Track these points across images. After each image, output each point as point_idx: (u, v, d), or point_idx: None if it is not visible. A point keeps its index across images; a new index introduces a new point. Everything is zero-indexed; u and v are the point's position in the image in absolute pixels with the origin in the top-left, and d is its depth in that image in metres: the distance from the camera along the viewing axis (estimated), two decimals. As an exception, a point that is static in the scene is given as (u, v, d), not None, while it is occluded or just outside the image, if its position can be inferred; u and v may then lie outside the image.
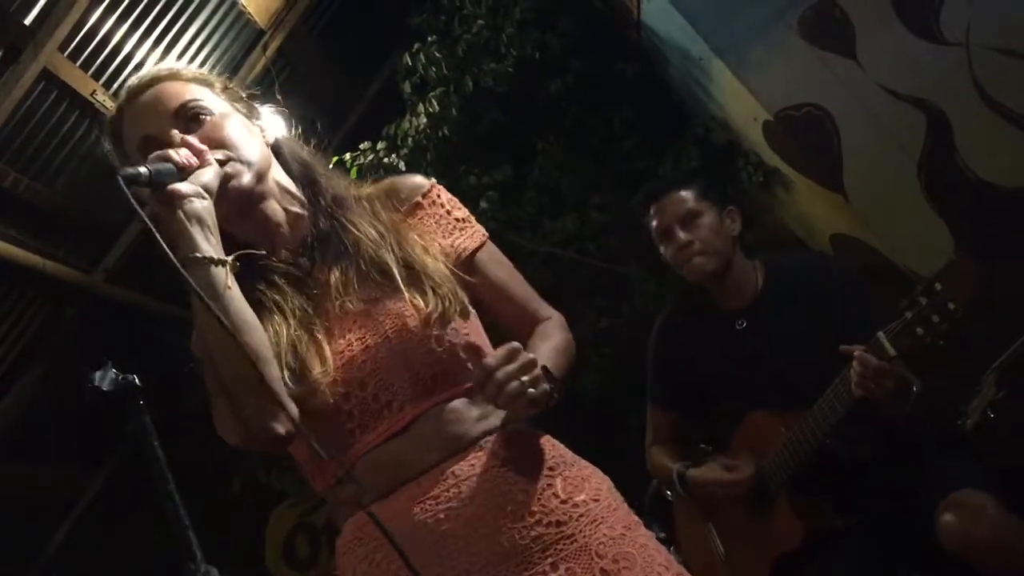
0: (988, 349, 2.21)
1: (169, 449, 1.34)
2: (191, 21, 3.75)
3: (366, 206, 1.43)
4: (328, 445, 1.24)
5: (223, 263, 1.21)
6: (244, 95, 1.45)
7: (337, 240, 1.38)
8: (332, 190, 1.43)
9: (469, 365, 1.30)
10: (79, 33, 3.28)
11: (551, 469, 1.29)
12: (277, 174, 1.40)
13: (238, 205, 1.29)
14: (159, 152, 1.22)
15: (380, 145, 3.94)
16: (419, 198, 1.44)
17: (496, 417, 1.31)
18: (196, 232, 1.20)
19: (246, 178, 1.30)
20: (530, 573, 1.20)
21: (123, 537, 4.47)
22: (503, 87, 3.88)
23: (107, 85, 3.57)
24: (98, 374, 1.47)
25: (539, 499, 1.25)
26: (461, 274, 1.37)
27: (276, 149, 1.42)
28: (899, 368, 1.98)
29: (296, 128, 1.51)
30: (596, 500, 1.27)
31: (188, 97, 1.34)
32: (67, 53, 3.29)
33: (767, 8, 2.93)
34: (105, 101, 3.55)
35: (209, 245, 1.21)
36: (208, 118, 1.33)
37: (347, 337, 1.30)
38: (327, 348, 1.28)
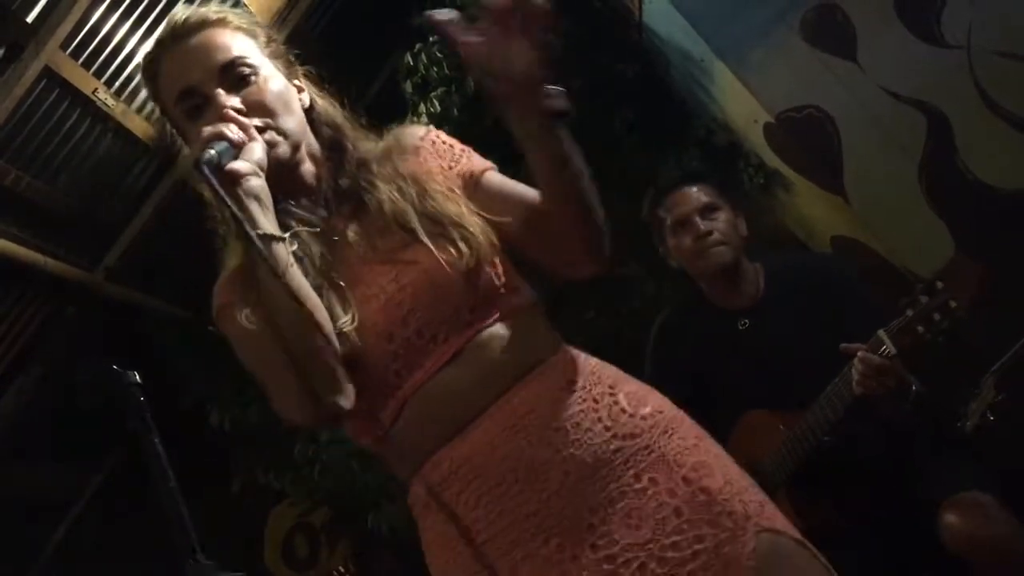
0: (988, 351, 2.21)
1: (168, 448, 1.34)
2: (193, 20, 3.75)
3: (389, 165, 1.41)
4: (374, 392, 1.25)
5: (283, 239, 1.21)
6: (285, 51, 1.44)
7: (356, 198, 1.37)
8: (358, 153, 1.42)
9: (503, 292, 1.30)
10: (81, 31, 3.28)
11: (611, 387, 1.28)
12: (308, 138, 1.38)
13: (270, 173, 1.27)
14: (212, 130, 1.21)
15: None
16: (418, 140, 1.43)
17: (544, 342, 1.31)
18: (256, 210, 1.20)
19: (283, 149, 1.30)
20: (616, 485, 1.19)
21: (123, 536, 4.47)
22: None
23: (108, 83, 3.56)
24: (97, 372, 1.47)
25: (609, 414, 1.24)
26: (484, 214, 1.33)
27: (310, 112, 1.41)
28: (900, 366, 1.99)
29: (329, 87, 1.48)
30: (661, 411, 1.29)
31: (236, 53, 1.32)
32: (69, 51, 3.29)
33: (768, 10, 2.93)
34: (107, 100, 3.55)
35: (268, 222, 1.21)
36: (253, 79, 1.32)
37: (378, 281, 1.28)
38: (350, 296, 1.27)
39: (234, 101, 1.28)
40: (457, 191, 1.36)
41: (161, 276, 4.46)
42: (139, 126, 3.81)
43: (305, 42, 4.47)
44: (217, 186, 1.14)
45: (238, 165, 1.19)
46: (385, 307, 1.26)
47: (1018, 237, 2.63)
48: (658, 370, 2.65)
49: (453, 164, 1.40)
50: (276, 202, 1.25)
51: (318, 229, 1.33)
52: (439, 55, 3.97)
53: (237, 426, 4.15)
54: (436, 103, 3.90)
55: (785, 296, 2.45)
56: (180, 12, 1.35)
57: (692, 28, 3.08)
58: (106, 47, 3.45)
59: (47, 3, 3.10)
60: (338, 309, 1.26)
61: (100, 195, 3.90)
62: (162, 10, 3.55)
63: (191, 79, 1.30)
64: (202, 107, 1.30)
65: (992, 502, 2.07)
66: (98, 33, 3.37)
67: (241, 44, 1.34)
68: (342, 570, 4.49)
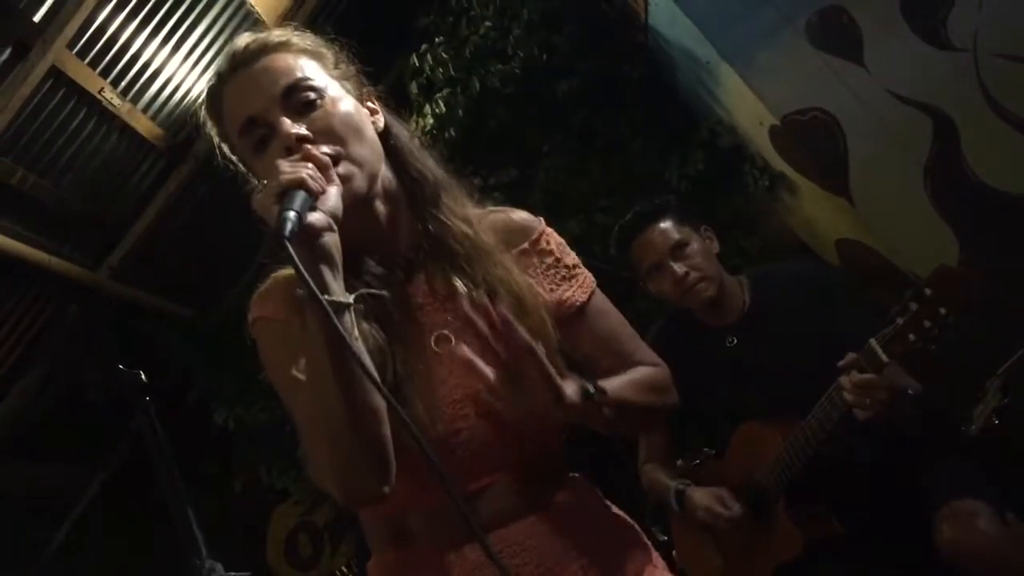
0: (993, 355, 2.20)
1: (171, 447, 1.34)
2: (199, 20, 3.76)
3: (484, 225, 1.31)
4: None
5: (350, 307, 1.09)
6: (356, 70, 1.32)
7: (448, 250, 1.26)
8: (446, 194, 1.30)
9: (554, 446, 1.29)
10: (88, 31, 3.29)
11: (598, 519, 1.33)
12: (383, 170, 1.26)
13: (343, 215, 1.12)
14: (289, 176, 1.06)
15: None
16: (527, 243, 1.34)
17: (557, 479, 1.31)
18: (326, 272, 1.07)
19: (359, 182, 1.17)
20: None
21: (126, 536, 4.47)
22: (510, 88, 3.89)
23: (115, 83, 3.57)
24: (102, 370, 1.47)
25: (589, 550, 1.26)
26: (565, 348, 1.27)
27: (386, 138, 1.28)
28: (892, 376, 1.98)
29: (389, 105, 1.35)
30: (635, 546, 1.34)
31: (298, 76, 1.21)
32: (75, 51, 3.29)
33: (774, 12, 2.92)
34: (112, 99, 3.56)
35: (338, 286, 1.08)
36: (319, 103, 1.20)
37: (447, 384, 1.21)
38: (432, 390, 1.19)
39: (299, 128, 1.16)
40: (549, 321, 1.26)
41: (166, 275, 4.46)
42: (144, 126, 3.82)
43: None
44: (299, 262, 1.00)
45: (315, 220, 1.05)
46: (444, 426, 1.19)
47: (1023, 240, 2.63)
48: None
49: (554, 287, 1.33)
50: (345, 252, 1.12)
51: (387, 294, 1.21)
52: (444, 56, 3.98)
53: (241, 425, 4.15)
54: (441, 104, 3.91)
55: (772, 307, 2.43)
56: (240, 39, 1.26)
57: (698, 30, 3.08)
58: (112, 47, 3.46)
59: (54, 2, 3.11)
60: (417, 401, 1.17)
61: (105, 194, 3.91)
62: (168, 10, 3.56)
63: (253, 108, 1.19)
64: (267, 138, 1.19)
65: (986, 510, 2.05)
66: (104, 33, 3.37)
67: (305, 67, 1.23)
68: (345, 570, 4.49)
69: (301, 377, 1.15)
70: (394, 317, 1.21)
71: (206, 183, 4.18)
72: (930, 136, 2.77)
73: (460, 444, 1.21)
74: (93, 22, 3.28)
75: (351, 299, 1.09)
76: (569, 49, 3.90)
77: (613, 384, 1.24)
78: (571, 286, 1.34)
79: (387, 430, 1.11)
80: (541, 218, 1.39)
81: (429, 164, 1.32)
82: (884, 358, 1.89)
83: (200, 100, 1.29)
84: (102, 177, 3.82)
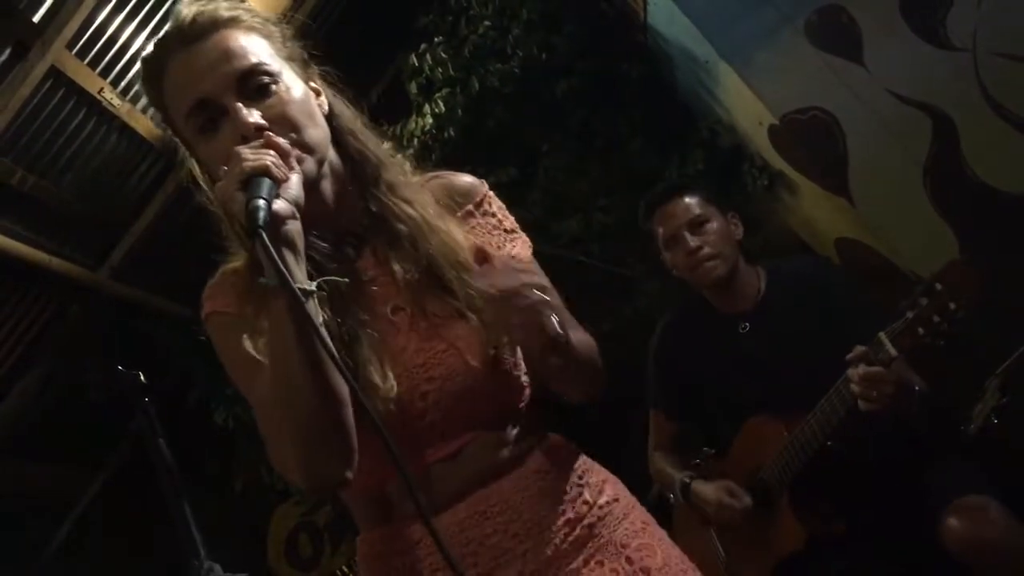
0: (992, 354, 2.21)
1: (171, 447, 1.34)
2: (198, 20, 3.76)
3: (424, 197, 1.31)
4: (365, 463, 1.17)
5: (313, 294, 1.09)
6: (301, 49, 1.30)
7: (389, 229, 1.26)
8: (386, 172, 1.30)
9: (521, 401, 1.28)
10: (87, 31, 3.29)
11: (579, 477, 1.31)
12: (330, 152, 1.25)
13: None
14: (252, 163, 1.05)
15: (385, 145, 3.94)
16: (471, 205, 1.35)
17: (532, 435, 1.31)
18: (290, 259, 1.06)
19: (308, 166, 1.16)
20: (568, 571, 1.23)
21: (126, 536, 4.47)
22: (509, 88, 3.89)
23: (114, 83, 3.57)
24: (102, 371, 1.47)
25: (573, 507, 1.27)
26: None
27: (330, 119, 1.27)
28: (899, 370, 1.98)
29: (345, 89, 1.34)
30: (616, 500, 1.33)
31: (253, 60, 1.17)
32: (75, 51, 3.29)
33: (774, 12, 2.92)
34: (112, 99, 3.56)
35: (301, 273, 1.08)
36: (273, 88, 1.18)
37: (407, 351, 1.21)
38: (386, 362, 1.19)
39: (256, 117, 1.14)
40: None
41: (166, 275, 4.46)
42: (144, 126, 3.82)
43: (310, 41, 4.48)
44: (272, 252, 1.01)
45: (280, 208, 1.05)
46: (409, 392, 1.20)
47: (1022, 239, 2.63)
48: (660, 375, 2.65)
49: (500, 246, 1.33)
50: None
51: (347, 280, 1.20)
52: (443, 56, 3.98)
53: (241, 425, 4.15)
54: (440, 104, 3.91)
55: (785, 299, 2.45)
56: (186, 9, 1.20)
57: (697, 30, 3.08)
58: (112, 47, 3.46)
59: (53, 3, 3.11)
60: (375, 373, 1.17)
61: (105, 194, 3.91)
62: (168, 10, 3.56)
63: (204, 89, 1.16)
64: (217, 120, 1.16)
65: (994, 505, 2.07)
66: (104, 33, 3.37)
67: (257, 47, 1.20)
68: (345, 570, 4.49)
69: (259, 358, 1.16)
70: (346, 293, 1.21)
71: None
72: (929, 135, 2.78)
73: (429, 408, 1.21)
74: (92, 22, 3.28)
75: (313, 286, 1.09)
76: (568, 49, 3.90)
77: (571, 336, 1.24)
78: (515, 245, 1.35)
79: (350, 413, 1.12)
80: (484, 181, 1.42)
81: (370, 144, 1.31)
82: (893, 351, 1.90)
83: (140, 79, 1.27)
84: (102, 177, 3.82)
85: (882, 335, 1.91)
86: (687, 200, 2.51)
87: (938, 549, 2.07)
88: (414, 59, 4.03)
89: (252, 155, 1.06)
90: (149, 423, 1.24)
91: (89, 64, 3.40)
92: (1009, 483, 2.18)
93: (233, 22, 1.21)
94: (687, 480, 2.48)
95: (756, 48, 2.97)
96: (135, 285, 4.33)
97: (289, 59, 1.25)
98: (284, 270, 1.02)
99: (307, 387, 1.08)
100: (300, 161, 1.14)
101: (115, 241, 4.13)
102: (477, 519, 1.23)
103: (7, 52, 3.09)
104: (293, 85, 1.21)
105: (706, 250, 2.45)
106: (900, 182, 2.83)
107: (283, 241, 1.06)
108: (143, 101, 3.76)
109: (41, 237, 3.68)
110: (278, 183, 1.06)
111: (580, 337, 1.27)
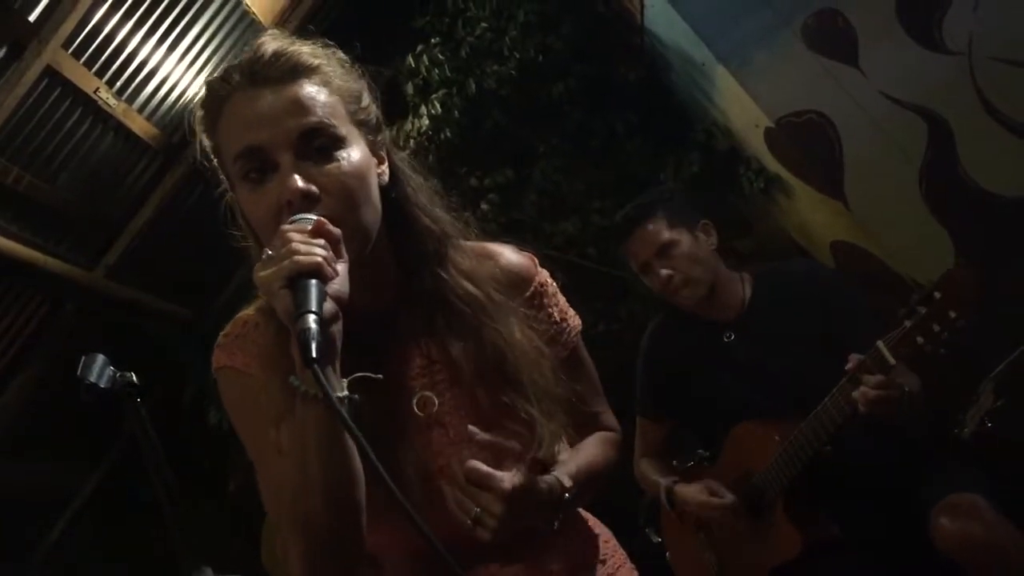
0: (986, 358, 2.21)
1: (166, 447, 1.34)
2: (195, 20, 3.76)
3: (483, 271, 1.21)
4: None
5: (349, 400, 0.99)
6: (379, 115, 1.19)
7: (449, 308, 1.17)
8: (451, 247, 1.20)
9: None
10: (83, 31, 3.28)
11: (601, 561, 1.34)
12: (379, 226, 1.14)
13: None
14: (305, 257, 0.95)
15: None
16: (529, 292, 1.27)
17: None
18: (330, 372, 0.97)
19: (356, 249, 1.06)
20: None
21: (120, 536, 4.46)
22: (505, 90, 3.89)
23: (110, 83, 3.57)
24: (96, 372, 1.47)
25: None
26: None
27: (386, 191, 1.16)
28: (899, 376, 1.98)
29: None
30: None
31: (322, 120, 1.07)
32: (71, 50, 3.29)
33: (770, 14, 2.93)
34: (108, 99, 3.55)
35: (337, 380, 0.99)
36: (335, 155, 1.08)
37: (428, 450, 1.15)
38: (408, 454, 1.13)
39: (309, 186, 1.03)
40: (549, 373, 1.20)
41: (161, 275, 4.46)
42: (140, 125, 3.81)
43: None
44: (324, 384, 0.90)
45: (328, 311, 0.95)
46: (449, 519, 1.13)
47: (1018, 243, 2.63)
48: (647, 382, 2.65)
49: (557, 336, 1.28)
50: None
51: (381, 376, 1.07)
52: (440, 57, 3.98)
53: (236, 426, 4.14)
54: (437, 105, 3.91)
55: (774, 304, 2.44)
56: (269, 44, 1.11)
57: (693, 32, 3.08)
58: (108, 47, 3.45)
59: (49, 2, 3.10)
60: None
61: (101, 194, 3.90)
62: (164, 10, 3.56)
63: (261, 138, 1.06)
64: (266, 172, 1.07)
65: (985, 504, 2.06)
66: (100, 32, 3.37)
67: (330, 105, 1.10)
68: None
69: (278, 441, 1.08)
70: (374, 383, 1.08)
71: (201, 182, 4.17)
72: (925, 139, 2.78)
73: (443, 500, 1.15)
74: (88, 22, 3.27)
75: (346, 393, 1.00)
76: (565, 51, 3.90)
77: (580, 472, 1.23)
78: (560, 338, 1.30)
79: (364, 517, 1.06)
80: (532, 256, 1.33)
81: (437, 214, 1.21)
82: (892, 360, 1.89)
83: (196, 99, 1.17)
84: (98, 177, 3.81)
85: (880, 344, 1.90)
86: (650, 227, 2.46)
87: (933, 555, 2.07)
88: (411, 60, 4.03)
89: (303, 246, 0.96)
90: (140, 424, 1.24)
91: (85, 64, 3.39)
92: (1003, 486, 2.18)
93: (312, 72, 1.11)
94: (670, 485, 2.47)
95: (752, 51, 2.98)
96: (130, 285, 4.32)
97: (361, 123, 1.15)
98: (328, 390, 0.90)
99: (332, 486, 1.01)
100: (348, 244, 1.03)
101: (110, 241, 4.12)
102: None
103: (3, 51, 3.09)
104: (357, 154, 1.10)
105: (677, 278, 2.43)
106: (896, 185, 2.83)
107: (328, 351, 0.96)
108: (139, 101, 3.76)
109: (37, 237, 3.67)
110: (326, 281, 0.96)
111: (598, 461, 1.29)
